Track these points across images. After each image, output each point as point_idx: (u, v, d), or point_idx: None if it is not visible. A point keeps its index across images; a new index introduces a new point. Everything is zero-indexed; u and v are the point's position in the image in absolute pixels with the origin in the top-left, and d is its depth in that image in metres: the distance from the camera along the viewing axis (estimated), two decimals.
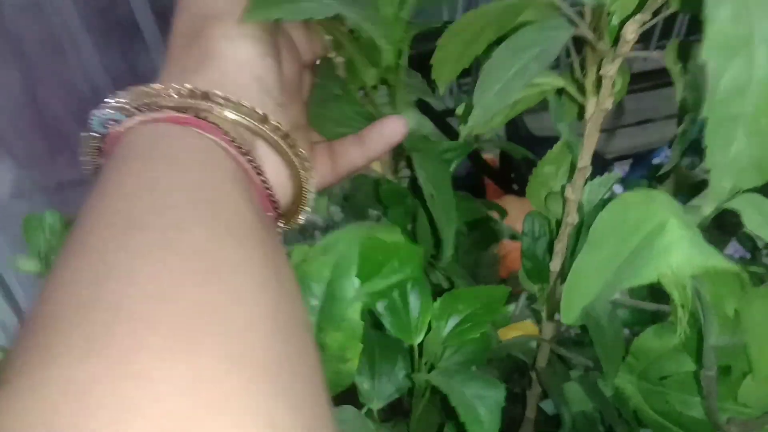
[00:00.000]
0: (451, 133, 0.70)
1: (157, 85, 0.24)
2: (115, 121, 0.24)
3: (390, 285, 0.31)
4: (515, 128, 1.05)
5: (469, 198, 0.45)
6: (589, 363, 0.37)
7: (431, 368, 0.34)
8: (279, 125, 0.25)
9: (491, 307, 0.33)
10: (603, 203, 0.33)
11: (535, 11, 0.26)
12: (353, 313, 0.29)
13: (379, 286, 0.31)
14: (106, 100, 0.24)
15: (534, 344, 0.37)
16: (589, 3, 0.25)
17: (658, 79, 1.11)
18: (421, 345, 0.33)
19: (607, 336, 0.30)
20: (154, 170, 0.21)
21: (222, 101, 0.24)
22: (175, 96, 0.24)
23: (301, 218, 0.29)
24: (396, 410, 0.37)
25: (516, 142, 0.53)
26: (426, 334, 0.32)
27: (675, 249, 0.22)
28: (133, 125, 0.24)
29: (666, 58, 0.28)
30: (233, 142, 0.24)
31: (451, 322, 0.33)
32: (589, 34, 0.26)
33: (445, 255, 0.33)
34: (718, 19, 0.19)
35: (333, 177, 0.32)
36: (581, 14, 0.26)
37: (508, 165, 1.06)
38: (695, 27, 0.20)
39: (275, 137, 0.25)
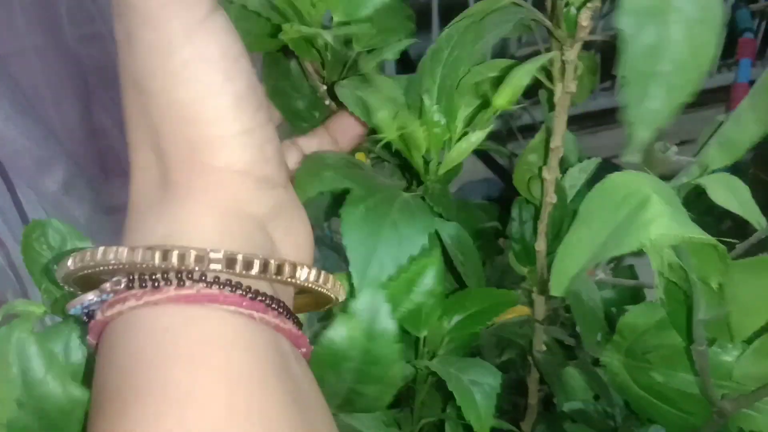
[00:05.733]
0: (497, 168, 0.69)
1: (142, 250, 0.19)
2: (101, 300, 0.20)
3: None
4: None
5: (484, 206, 0.46)
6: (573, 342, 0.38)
7: (432, 356, 0.35)
8: (293, 267, 0.22)
9: (497, 308, 0.35)
10: (587, 186, 0.34)
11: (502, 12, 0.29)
12: (395, 371, 0.29)
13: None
14: (73, 259, 0.20)
15: (528, 328, 0.38)
16: None
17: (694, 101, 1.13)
18: (425, 339, 0.34)
19: (587, 309, 0.32)
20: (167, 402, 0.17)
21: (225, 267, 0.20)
22: (169, 261, 0.19)
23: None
24: (402, 398, 0.38)
25: None
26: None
27: (655, 222, 0.23)
28: (124, 311, 0.19)
29: None
30: (254, 300, 0.20)
31: (456, 318, 0.35)
32: (548, 23, 0.29)
33: None
34: None
35: None
36: (544, 7, 0.29)
37: None
38: None
39: (296, 282, 0.22)
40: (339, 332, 0.28)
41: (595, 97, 1.15)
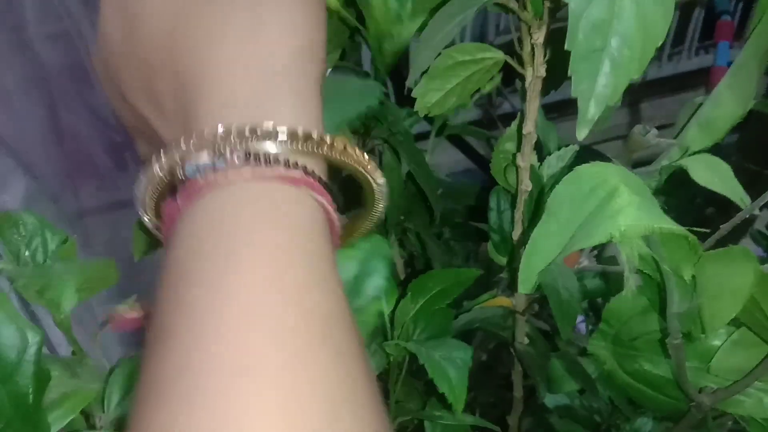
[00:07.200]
0: (478, 159, 0.69)
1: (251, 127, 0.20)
2: (212, 168, 0.20)
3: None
4: None
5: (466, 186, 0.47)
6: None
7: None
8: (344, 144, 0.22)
9: (459, 286, 0.35)
10: (561, 174, 0.34)
11: None
12: (371, 311, 0.30)
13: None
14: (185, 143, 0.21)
15: (510, 320, 0.38)
16: None
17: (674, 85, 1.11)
18: (392, 320, 0.34)
19: (562, 295, 0.32)
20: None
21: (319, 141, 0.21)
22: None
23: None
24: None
25: None
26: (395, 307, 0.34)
27: (624, 212, 0.23)
28: (234, 180, 0.20)
29: None
30: (326, 188, 0.21)
31: (421, 300, 0.35)
32: (514, 4, 0.29)
33: (436, 213, 0.37)
34: None
35: None
36: None
37: None
38: None
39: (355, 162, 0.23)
40: None
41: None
